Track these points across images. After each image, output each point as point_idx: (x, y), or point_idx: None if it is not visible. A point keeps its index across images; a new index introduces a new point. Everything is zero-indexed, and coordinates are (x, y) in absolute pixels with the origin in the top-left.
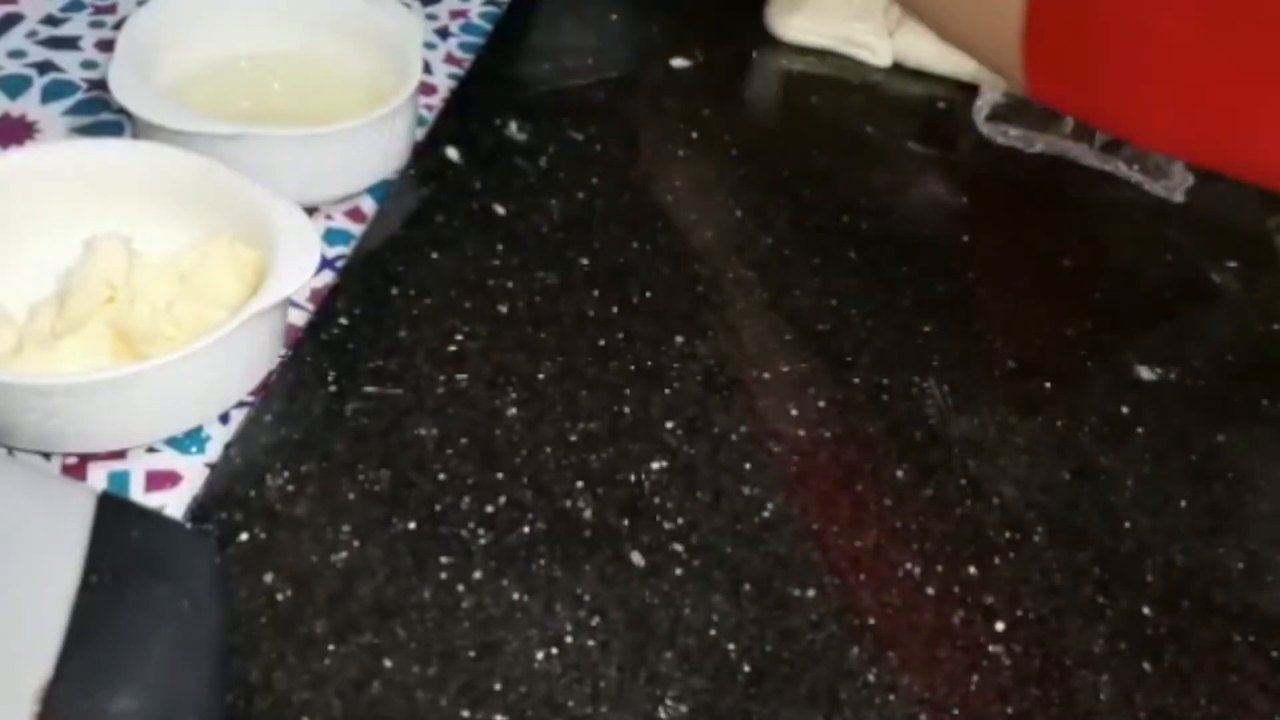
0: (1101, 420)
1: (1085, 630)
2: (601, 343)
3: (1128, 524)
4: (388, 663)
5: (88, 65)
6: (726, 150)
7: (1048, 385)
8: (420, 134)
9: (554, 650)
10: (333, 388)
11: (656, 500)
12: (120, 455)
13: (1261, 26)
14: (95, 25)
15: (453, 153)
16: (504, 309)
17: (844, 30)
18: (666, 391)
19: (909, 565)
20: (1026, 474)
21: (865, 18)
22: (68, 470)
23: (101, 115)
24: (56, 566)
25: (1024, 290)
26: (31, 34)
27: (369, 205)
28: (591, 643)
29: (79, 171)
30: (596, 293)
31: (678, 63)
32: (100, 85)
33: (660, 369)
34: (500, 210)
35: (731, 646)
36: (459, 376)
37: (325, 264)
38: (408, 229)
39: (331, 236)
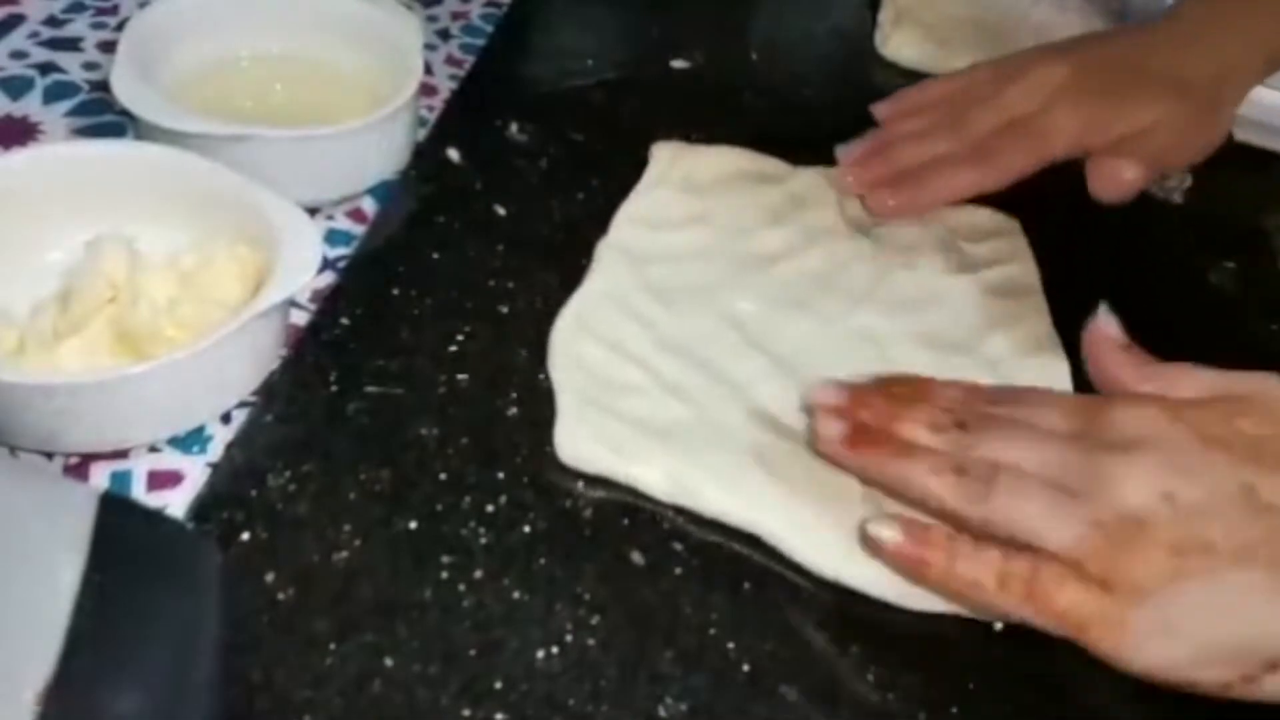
0: None
1: None
2: None
3: None
4: (389, 661)
5: (90, 66)
6: None
7: None
8: (421, 135)
9: (554, 649)
10: (334, 388)
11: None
12: (122, 455)
13: None
14: (97, 26)
15: (454, 154)
16: (504, 309)
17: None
18: None
19: None
20: None
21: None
22: (70, 470)
23: (104, 116)
24: (58, 566)
25: None
26: (33, 35)
27: (370, 206)
28: (592, 641)
29: (81, 173)
30: None
31: (678, 63)
32: (102, 86)
33: None
34: (501, 211)
35: (731, 645)
36: (460, 376)
37: (326, 264)
38: (409, 230)
39: (333, 237)
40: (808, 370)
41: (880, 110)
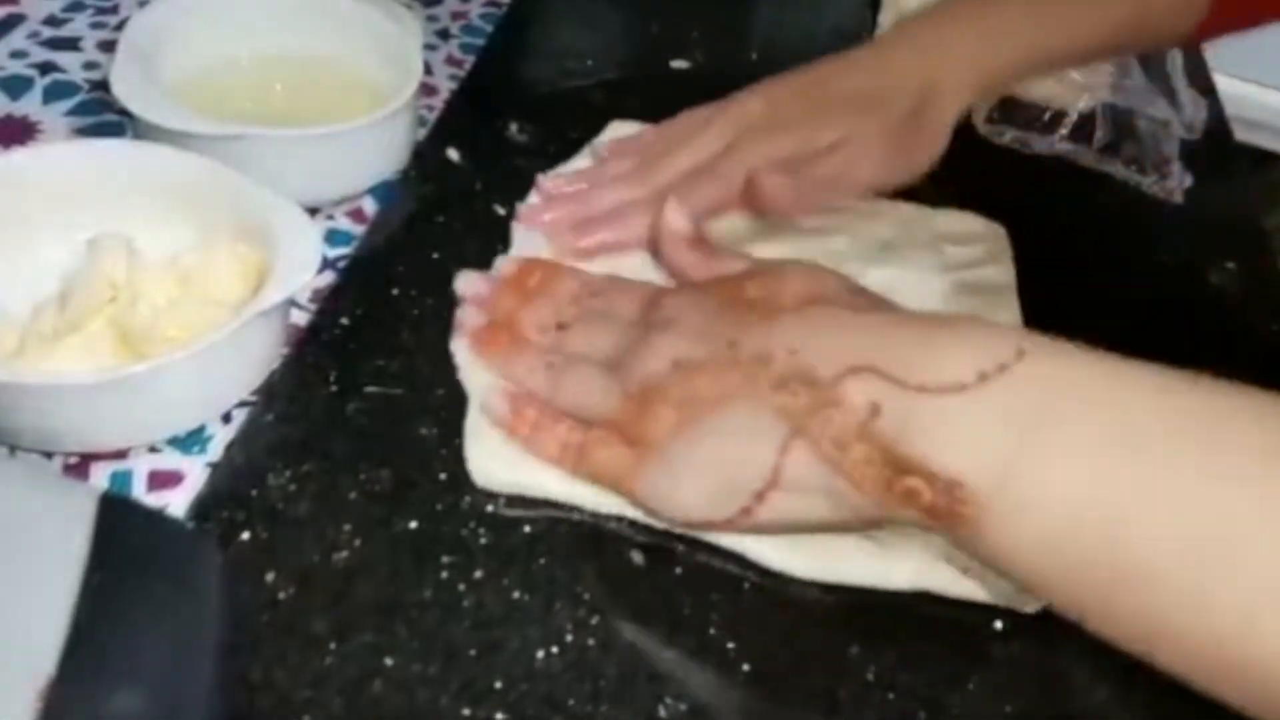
0: None
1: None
2: None
3: None
4: (389, 661)
5: (89, 66)
6: None
7: None
8: (421, 135)
9: (554, 649)
10: (334, 387)
11: None
12: (122, 455)
13: None
14: (97, 26)
15: (453, 153)
16: None
17: None
18: None
19: None
20: None
21: None
22: (70, 470)
23: (103, 116)
24: (58, 566)
25: (1021, 291)
26: (33, 35)
27: (370, 206)
28: (592, 641)
29: (81, 172)
30: None
31: (678, 63)
32: (102, 86)
33: None
34: (500, 210)
35: (732, 645)
36: (460, 377)
37: (326, 264)
38: (409, 230)
39: (333, 237)
40: None
41: (601, 152)
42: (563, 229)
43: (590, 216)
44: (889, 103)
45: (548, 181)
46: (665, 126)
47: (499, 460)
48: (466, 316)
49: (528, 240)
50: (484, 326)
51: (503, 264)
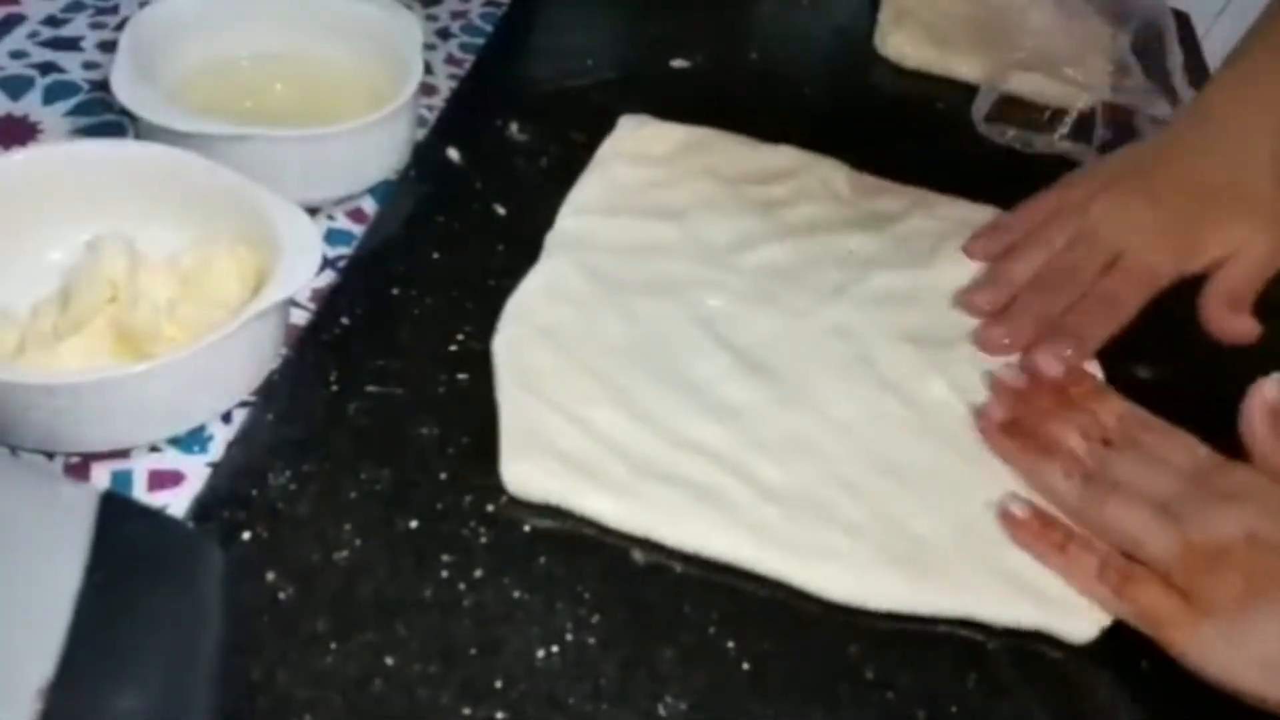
0: None
1: None
2: None
3: None
4: (389, 660)
5: (90, 66)
6: None
7: None
8: (421, 135)
9: (555, 648)
10: (334, 387)
11: None
12: (123, 455)
13: None
14: (97, 26)
15: (453, 153)
16: None
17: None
18: None
19: None
20: None
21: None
22: (70, 470)
23: (103, 116)
24: (59, 566)
25: None
26: (33, 35)
27: (370, 206)
28: (592, 640)
29: (81, 172)
30: None
31: (678, 63)
32: (102, 86)
33: None
34: (500, 210)
35: (731, 644)
36: (460, 376)
37: (326, 264)
38: (409, 229)
39: (333, 237)
40: (776, 366)
41: (976, 252)
42: (1034, 347)
43: (1051, 323)
44: (1265, 186)
45: (973, 299)
46: (1033, 212)
47: (541, 471)
48: (992, 408)
49: (555, 251)
50: (1009, 421)
51: (1045, 362)
